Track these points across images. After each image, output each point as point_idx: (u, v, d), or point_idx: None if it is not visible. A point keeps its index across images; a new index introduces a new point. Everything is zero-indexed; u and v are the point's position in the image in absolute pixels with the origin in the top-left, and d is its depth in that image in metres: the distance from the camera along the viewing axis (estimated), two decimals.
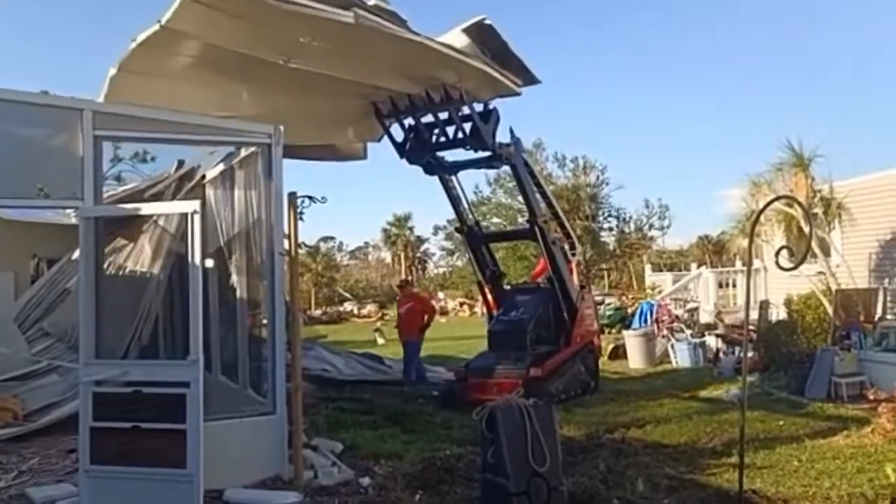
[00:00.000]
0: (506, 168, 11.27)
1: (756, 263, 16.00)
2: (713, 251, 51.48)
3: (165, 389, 5.44)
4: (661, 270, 29.74)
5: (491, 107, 9.46)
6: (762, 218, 12.38)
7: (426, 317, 12.57)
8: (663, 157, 69.73)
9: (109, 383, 5.72)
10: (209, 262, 8.44)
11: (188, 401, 5.28)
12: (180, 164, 10.46)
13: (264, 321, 7.55)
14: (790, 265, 2.91)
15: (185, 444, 5.24)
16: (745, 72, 69.93)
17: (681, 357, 12.69)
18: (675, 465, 6.64)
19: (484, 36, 8.19)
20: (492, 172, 36.96)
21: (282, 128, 6.53)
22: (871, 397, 8.27)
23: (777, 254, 3.04)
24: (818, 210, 11.52)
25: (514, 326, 9.95)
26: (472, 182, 45.02)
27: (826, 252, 11.91)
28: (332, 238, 57.69)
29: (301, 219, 6.53)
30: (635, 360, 13.29)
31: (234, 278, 7.85)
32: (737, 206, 13.36)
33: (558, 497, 3.68)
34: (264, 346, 7.30)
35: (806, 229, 10.67)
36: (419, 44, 7.19)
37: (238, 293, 7.70)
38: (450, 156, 10.50)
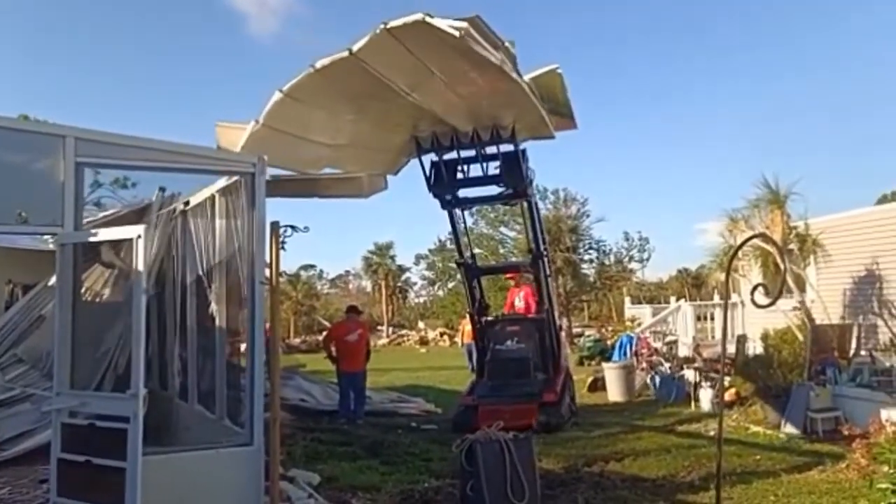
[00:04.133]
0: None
1: (733, 298, 16.18)
2: (692, 284, 52.04)
3: (112, 424, 5.26)
4: (640, 303, 29.92)
5: (522, 147, 9.69)
6: (740, 253, 12.57)
7: (368, 346, 12.30)
8: (642, 190, 70.63)
9: (81, 414, 5.64)
10: (192, 289, 8.43)
11: (128, 437, 5.08)
12: (162, 190, 10.44)
13: (243, 350, 7.51)
14: (765, 302, 2.97)
15: (125, 482, 5.04)
16: (723, 107, 71.28)
17: (660, 390, 12.74)
18: (654, 499, 6.66)
19: (550, 82, 8.30)
20: None
21: (266, 157, 6.55)
22: (846, 433, 8.34)
23: (752, 291, 3.11)
24: (793, 246, 11.71)
25: (516, 354, 10.24)
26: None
27: (801, 288, 12.08)
28: (312, 266, 57.53)
29: (283, 248, 6.52)
30: (614, 393, 13.30)
31: (214, 307, 7.78)
32: (714, 240, 13.55)
33: None
34: (243, 375, 7.24)
35: (781, 266, 10.85)
36: (518, 87, 7.24)
37: (217, 321, 7.64)
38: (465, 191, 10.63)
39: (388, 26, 5.75)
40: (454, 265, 44.47)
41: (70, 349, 5.71)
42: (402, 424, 11.51)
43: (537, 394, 9.76)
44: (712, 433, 9.55)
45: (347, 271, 64.46)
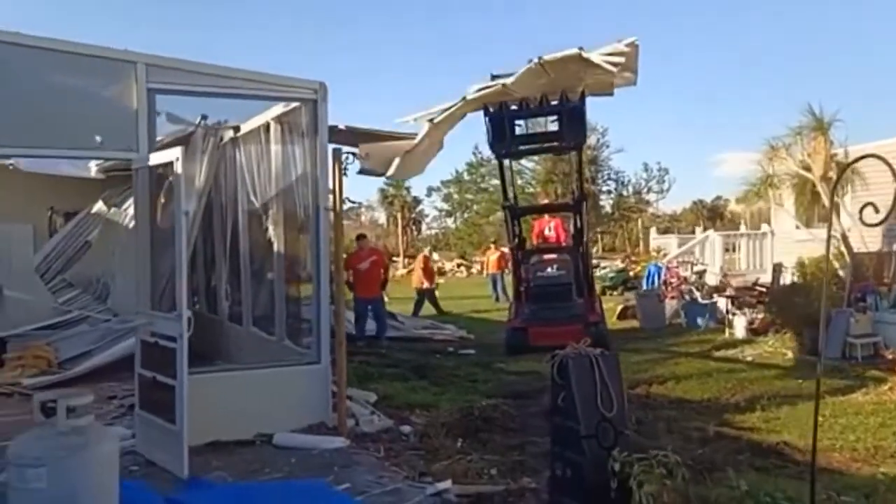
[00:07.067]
0: None
1: (763, 228, 16.24)
2: (707, 216, 51.81)
3: (167, 343, 5.44)
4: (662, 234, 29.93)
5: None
6: (776, 181, 12.59)
7: (383, 272, 12.60)
8: (655, 120, 69.56)
9: (158, 334, 5.85)
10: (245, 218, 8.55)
11: (176, 356, 5.24)
12: (204, 118, 10.49)
13: (302, 276, 7.71)
14: (876, 220, 3.09)
15: (174, 399, 5.24)
16: (739, 39, 69.43)
17: (691, 318, 12.93)
18: (703, 419, 6.90)
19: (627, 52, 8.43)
20: None
21: (327, 83, 6.58)
22: (890, 357, 8.53)
23: (861, 210, 3.23)
24: (833, 174, 11.62)
25: (557, 280, 10.97)
26: (471, 143, 44.98)
27: (838, 216, 12.07)
28: None
29: (345, 174, 6.64)
30: (646, 321, 13.51)
31: (271, 233, 7.95)
32: (733, 170, 13.57)
33: (624, 440, 3.87)
34: (303, 299, 7.45)
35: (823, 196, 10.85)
36: (611, 74, 7.44)
37: (275, 248, 7.81)
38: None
39: (542, 61, 5.95)
40: (470, 197, 44.33)
41: (149, 270, 5.90)
42: (439, 350, 11.81)
43: (582, 314, 10.41)
44: (749, 358, 9.82)
45: (360, 203, 64.39)
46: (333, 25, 76.33)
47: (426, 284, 17.73)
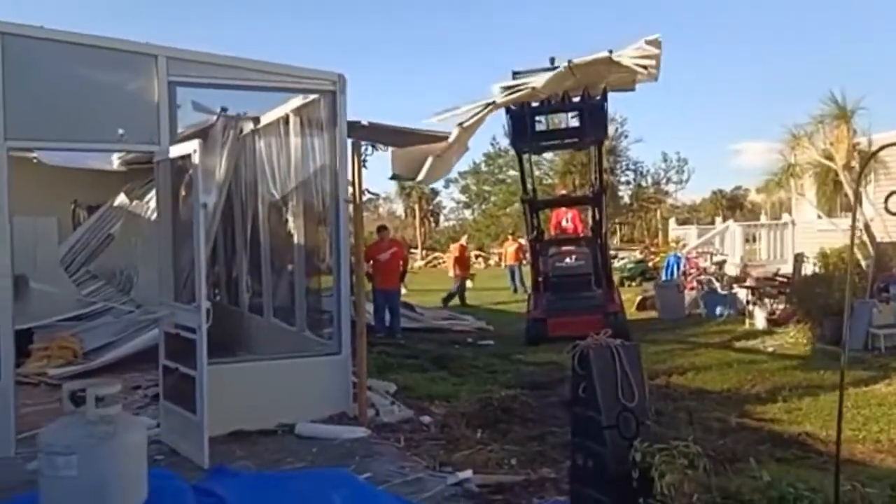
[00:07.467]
0: None
1: (784, 218, 16.09)
2: (727, 206, 51.34)
3: (188, 334, 5.48)
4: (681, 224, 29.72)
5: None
6: (797, 171, 12.47)
7: (402, 264, 12.64)
8: (672, 110, 68.92)
9: (180, 325, 5.91)
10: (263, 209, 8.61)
11: (196, 346, 5.28)
12: (223, 110, 10.56)
13: (322, 267, 7.76)
14: None
15: (194, 389, 5.29)
16: (757, 28, 68.60)
17: (710, 308, 12.86)
18: (724, 410, 6.89)
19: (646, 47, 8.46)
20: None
21: (346, 75, 6.60)
22: None
23: (886, 199, 3.19)
24: (855, 164, 11.48)
25: (577, 271, 11.08)
26: (488, 134, 44.87)
27: (861, 205, 11.91)
28: None
29: (364, 166, 6.67)
30: (665, 312, 13.45)
31: (291, 225, 7.99)
32: (752, 159, 13.50)
33: (646, 431, 3.86)
34: (323, 290, 7.50)
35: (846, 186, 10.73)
36: (634, 73, 7.47)
37: (295, 240, 7.86)
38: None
39: (573, 65, 5.98)
40: (488, 188, 44.24)
41: (171, 262, 5.96)
42: (459, 340, 11.84)
43: (602, 304, 10.50)
44: (770, 349, 9.75)
45: (377, 194, 64.43)
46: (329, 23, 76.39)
47: (457, 274, 17.65)
